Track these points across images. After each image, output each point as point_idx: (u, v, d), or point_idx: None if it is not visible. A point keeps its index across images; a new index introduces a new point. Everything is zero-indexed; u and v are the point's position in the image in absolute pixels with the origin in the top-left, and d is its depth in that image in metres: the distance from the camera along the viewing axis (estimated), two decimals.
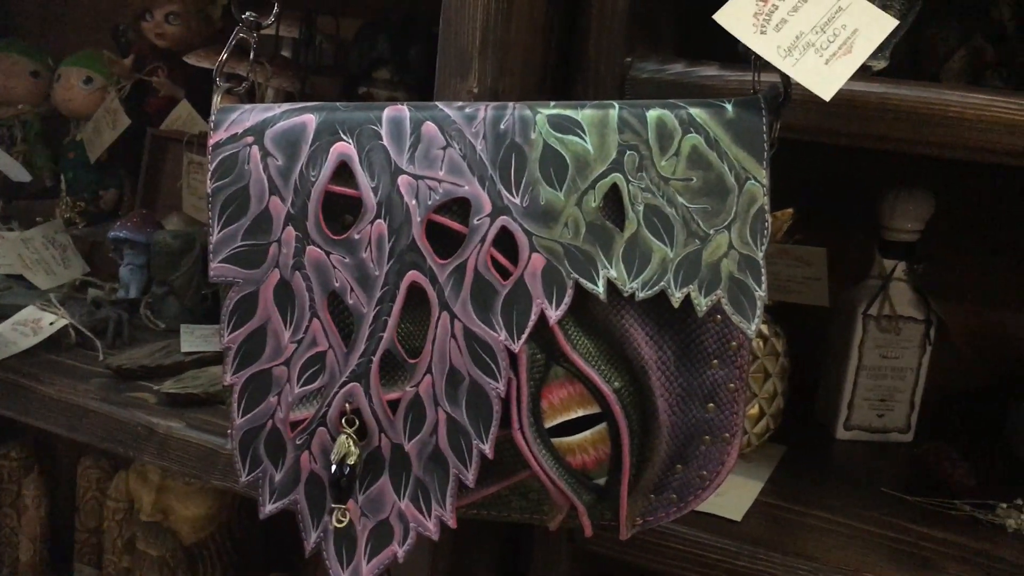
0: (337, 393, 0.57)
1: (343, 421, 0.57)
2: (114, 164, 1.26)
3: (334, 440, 0.57)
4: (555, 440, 0.58)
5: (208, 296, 1.00)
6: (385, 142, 0.56)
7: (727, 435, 0.58)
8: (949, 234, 0.90)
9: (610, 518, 0.60)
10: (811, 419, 0.93)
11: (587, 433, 0.57)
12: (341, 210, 0.57)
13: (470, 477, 0.56)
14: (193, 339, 0.91)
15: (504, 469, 0.58)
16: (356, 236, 0.56)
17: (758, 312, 0.54)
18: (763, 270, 0.55)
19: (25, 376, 0.87)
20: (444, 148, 0.56)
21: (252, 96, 1.03)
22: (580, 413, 0.57)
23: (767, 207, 0.55)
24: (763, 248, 0.55)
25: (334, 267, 0.56)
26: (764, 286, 0.54)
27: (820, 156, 0.93)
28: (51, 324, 0.90)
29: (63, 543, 1.33)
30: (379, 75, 1.09)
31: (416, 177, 0.56)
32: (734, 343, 0.56)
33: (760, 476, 0.78)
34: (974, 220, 0.93)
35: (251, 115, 0.58)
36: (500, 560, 0.80)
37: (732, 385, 0.57)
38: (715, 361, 0.57)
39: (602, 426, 0.57)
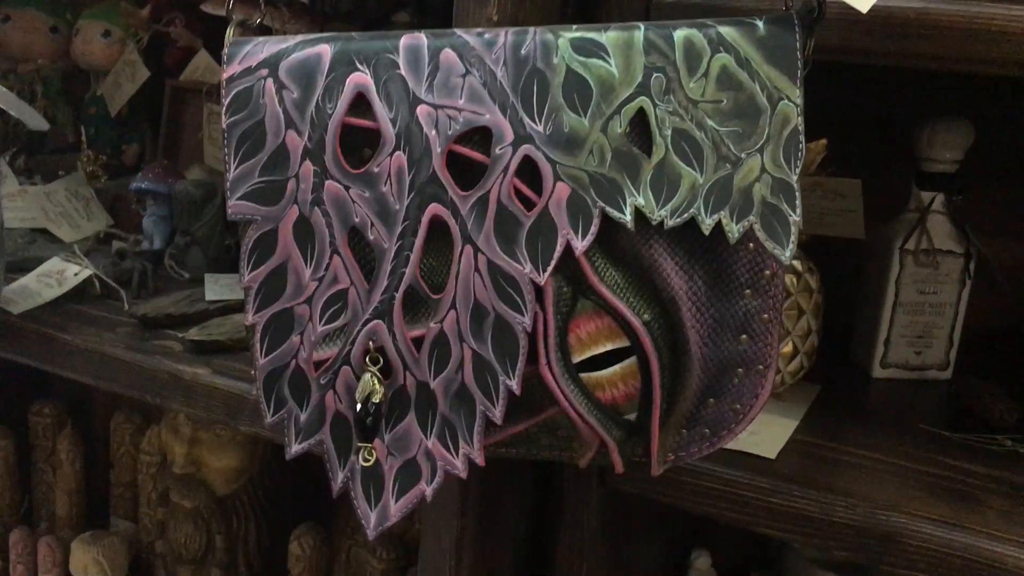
0: (360, 331, 0.56)
1: (367, 359, 0.56)
2: (135, 118, 1.25)
3: (358, 379, 0.56)
4: (584, 375, 0.56)
5: (232, 246, 0.99)
6: (402, 71, 0.54)
7: (761, 367, 0.56)
8: (989, 164, 0.87)
9: (641, 454, 0.58)
10: (846, 358, 0.91)
11: (616, 367, 0.56)
12: (359, 143, 0.55)
13: (497, 413, 0.55)
14: (217, 288, 0.90)
15: (532, 406, 0.57)
16: (375, 169, 0.54)
17: (792, 238, 0.52)
18: (797, 194, 0.52)
19: (51, 327, 0.87)
20: (463, 76, 0.54)
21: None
22: (609, 347, 0.56)
23: (801, 128, 0.52)
24: (797, 171, 0.52)
25: (354, 202, 0.55)
26: (799, 210, 0.52)
27: (854, 85, 0.90)
28: (75, 275, 0.90)
29: (98, 497, 1.34)
30: (399, 18, 1.07)
31: (435, 106, 0.54)
32: (767, 272, 0.54)
33: (794, 415, 0.77)
34: (1015, 149, 0.90)
35: (265, 47, 0.56)
36: (530, 502, 0.79)
37: (766, 316, 0.55)
38: (748, 291, 0.55)
39: (632, 360, 0.56)
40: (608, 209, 0.53)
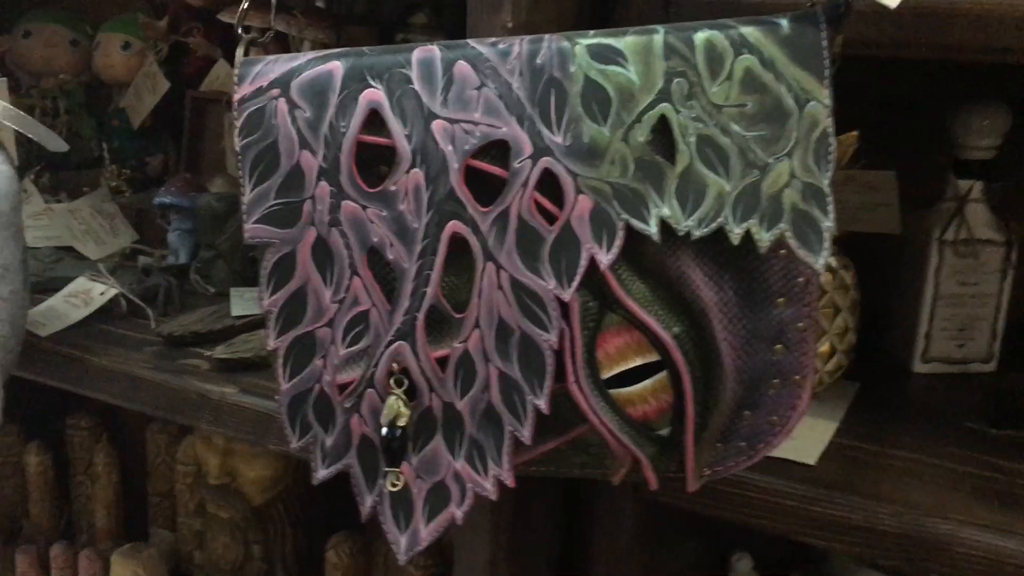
0: (383, 353, 0.55)
1: (391, 381, 0.55)
2: (158, 129, 1.24)
3: (383, 401, 0.55)
4: (613, 391, 0.55)
5: (256, 258, 0.98)
6: (416, 85, 0.53)
7: (797, 377, 0.54)
8: None
9: (676, 470, 0.57)
10: (884, 353, 0.89)
11: (647, 382, 0.54)
12: (375, 161, 0.54)
13: (526, 434, 0.54)
14: (243, 302, 0.90)
15: (561, 424, 0.56)
16: (392, 188, 0.53)
17: (825, 245, 0.50)
18: (829, 199, 0.50)
19: (79, 348, 0.86)
20: (479, 88, 0.52)
21: (285, 50, 1.01)
22: (638, 362, 0.54)
23: (831, 130, 0.50)
24: (828, 175, 0.50)
25: (371, 221, 0.54)
26: (831, 216, 0.50)
27: (883, 73, 0.87)
28: (101, 294, 0.90)
29: (137, 508, 1.35)
30: (416, 20, 1.05)
31: (451, 121, 0.52)
32: (800, 279, 0.53)
33: (834, 416, 0.75)
34: None
35: (276, 66, 0.55)
36: (563, 516, 0.78)
37: (800, 324, 0.53)
38: (780, 299, 0.53)
39: (662, 374, 0.54)
40: (632, 221, 0.51)
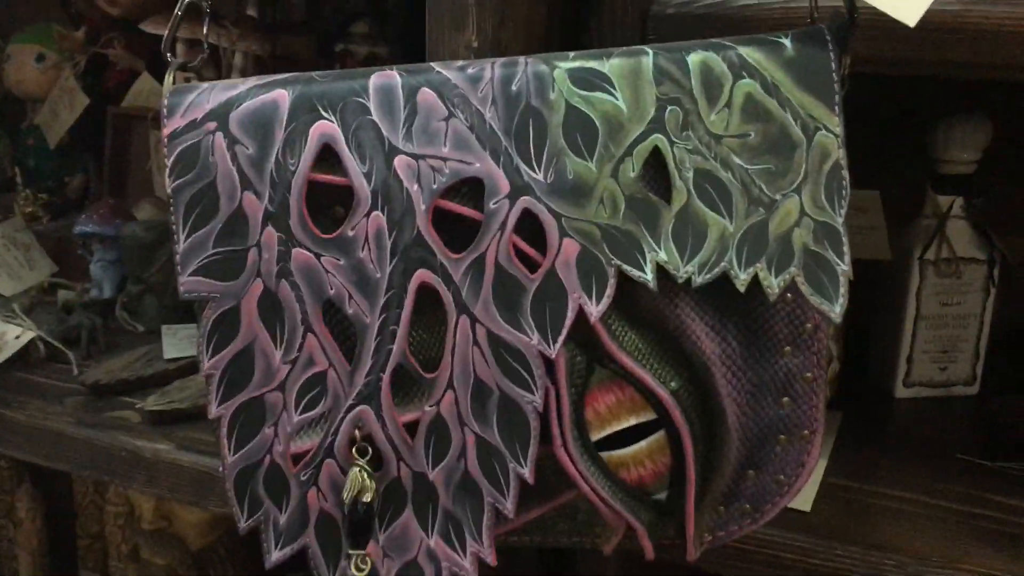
0: (344, 418, 0.48)
1: (354, 450, 0.48)
2: (77, 149, 1.15)
3: (345, 473, 0.49)
4: (605, 454, 0.49)
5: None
6: (375, 116, 0.46)
7: (806, 432, 0.49)
8: (1007, 162, 0.80)
9: (673, 535, 0.51)
10: (864, 378, 0.85)
11: (642, 444, 0.49)
12: (329, 202, 0.47)
13: (509, 506, 0.48)
14: (176, 342, 0.82)
15: (547, 490, 0.50)
16: (350, 233, 0.47)
17: (842, 291, 0.45)
18: (845, 239, 0.45)
19: None
20: (446, 119, 0.46)
21: (217, 65, 0.93)
22: (632, 421, 0.48)
23: (844, 162, 0.45)
24: (842, 212, 0.45)
25: (327, 271, 0.47)
26: (847, 258, 0.45)
27: (855, 82, 0.83)
28: (16, 338, 0.81)
29: (66, 549, 1.26)
30: (356, 29, 0.98)
31: (416, 157, 0.46)
32: (809, 325, 0.47)
33: (823, 452, 0.70)
34: None
35: (211, 95, 0.48)
36: (542, 559, 0.72)
37: (809, 374, 0.48)
38: (787, 348, 0.48)
39: (659, 434, 0.49)
40: (625, 267, 0.45)
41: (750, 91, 0.45)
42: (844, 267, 0.45)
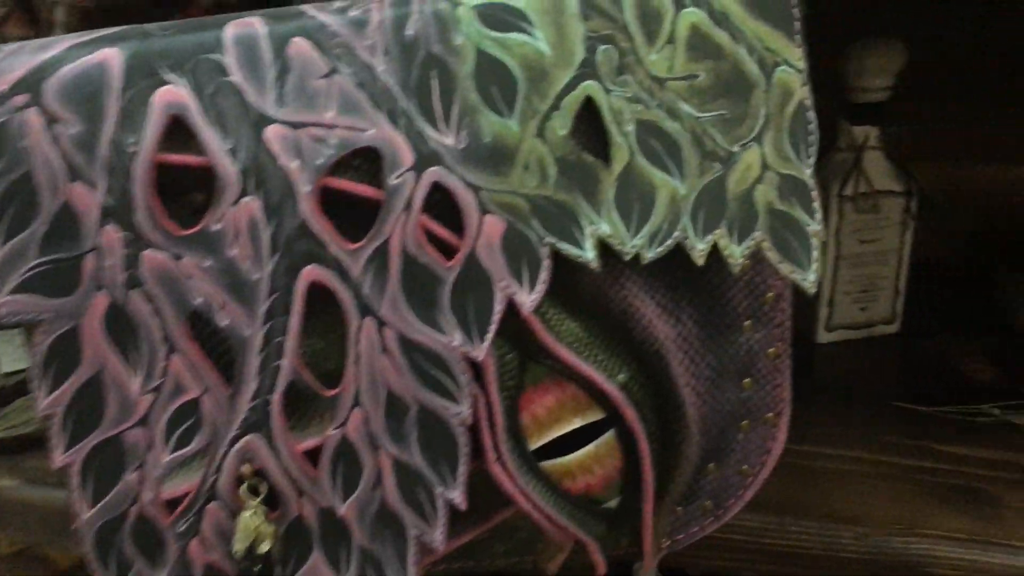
0: (227, 452, 0.39)
1: (242, 490, 0.40)
2: None
3: (234, 518, 0.40)
4: (547, 464, 0.41)
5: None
6: (235, 77, 0.36)
7: (770, 415, 0.43)
8: (919, 87, 0.76)
9: (627, 544, 0.44)
10: None
11: (590, 447, 0.42)
12: (185, 189, 0.38)
13: (437, 537, 0.40)
14: (13, 351, 0.70)
15: (481, 510, 0.42)
16: (215, 226, 0.37)
17: (815, 255, 0.39)
18: (813, 193, 0.39)
19: None
20: (328, 76, 0.37)
21: (34, 22, 0.79)
22: (577, 423, 0.41)
23: (809, 102, 0.38)
24: (810, 162, 0.39)
25: (190, 276, 0.37)
26: (818, 215, 0.39)
27: None
28: None
29: None
30: None
31: (293, 125, 0.37)
32: (770, 294, 0.41)
33: None
34: (948, 68, 0.79)
35: (18, 60, 0.37)
36: None
37: (772, 350, 0.42)
38: (747, 323, 0.41)
39: (609, 435, 0.42)
40: (561, 245, 0.38)
41: (696, 22, 0.38)
42: (815, 226, 0.39)
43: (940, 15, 0.76)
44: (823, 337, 0.76)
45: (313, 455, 0.39)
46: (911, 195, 0.74)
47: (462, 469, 0.39)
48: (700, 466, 0.43)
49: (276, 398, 0.39)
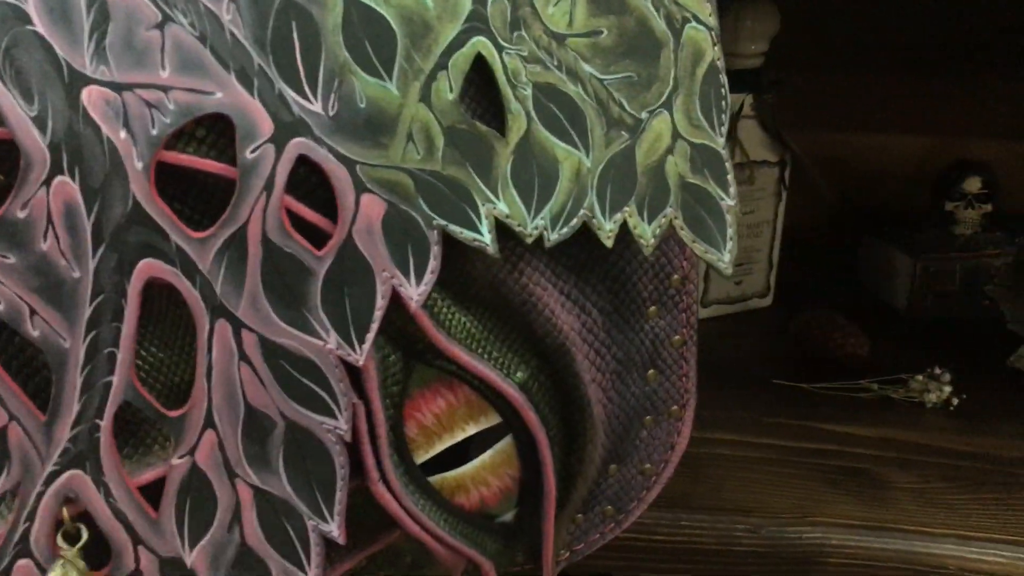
0: (44, 493, 0.32)
1: (60, 537, 0.32)
2: None
3: (46, 574, 0.32)
4: (436, 478, 0.36)
5: None
6: (40, 27, 0.29)
7: (675, 407, 0.39)
8: (791, 51, 0.74)
9: (523, 560, 0.40)
10: None
11: (484, 457, 0.36)
12: None
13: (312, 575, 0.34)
14: None
15: (361, 536, 0.37)
16: (20, 214, 0.30)
17: (730, 233, 0.35)
18: (728, 164, 0.35)
19: None
20: (160, 26, 0.30)
21: None
22: (471, 430, 0.36)
23: (721, 63, 0.34)
24: (723, 129, 0.35)
25: None
26: (732, 189, 0.35)
27: None
28: None
29: None
30: None
31: (118, 87, 0.29)
32: (676, 277, 0.37)
33: None
34: (820, 32, 0.78)
35: None
36: None
37: (677, 337, 0.38)
38: (652, 308, 0.37)
39: (505, 442, 0.37)
40: (452, 228, 0.32)
41: None
42: (729, 201, 0.35)
43: None
44: (700, 312, 0.74)
45: (154, 491, 0.33)
46: (785, 165, 0.72)
47: (340, 496, 0.33)
48: (601, 469, 0.39)
49: (105, 423, 0.31)
